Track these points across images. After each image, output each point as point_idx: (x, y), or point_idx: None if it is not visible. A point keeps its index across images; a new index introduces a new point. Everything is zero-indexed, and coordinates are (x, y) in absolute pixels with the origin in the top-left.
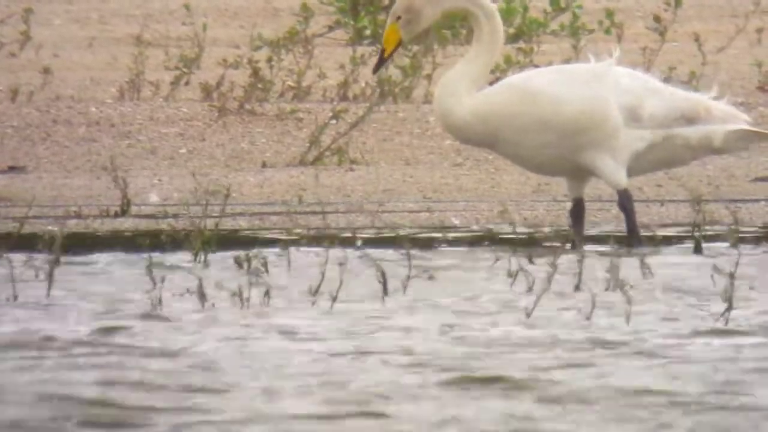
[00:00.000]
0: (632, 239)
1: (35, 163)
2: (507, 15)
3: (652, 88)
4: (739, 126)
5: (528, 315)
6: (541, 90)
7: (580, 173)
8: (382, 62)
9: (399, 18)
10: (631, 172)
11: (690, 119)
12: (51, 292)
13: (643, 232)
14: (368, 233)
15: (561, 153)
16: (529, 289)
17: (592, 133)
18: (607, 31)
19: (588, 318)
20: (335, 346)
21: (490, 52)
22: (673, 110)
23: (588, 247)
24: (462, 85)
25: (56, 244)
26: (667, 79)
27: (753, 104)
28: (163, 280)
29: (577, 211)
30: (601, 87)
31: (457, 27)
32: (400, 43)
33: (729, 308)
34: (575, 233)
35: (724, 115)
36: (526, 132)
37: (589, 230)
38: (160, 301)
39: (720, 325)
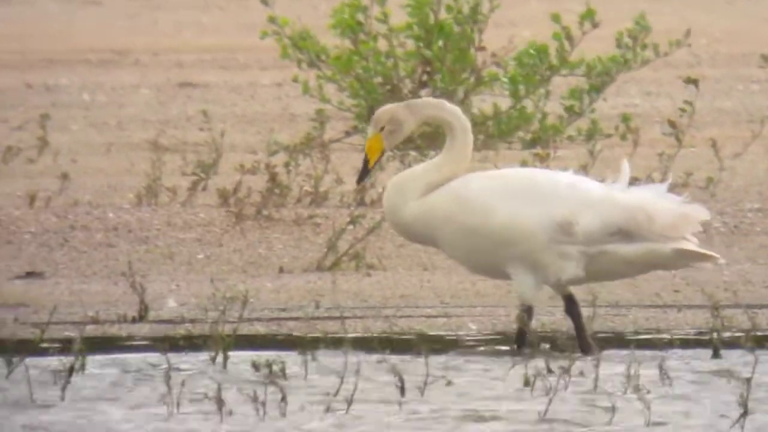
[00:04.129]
0: (583, 346)
1: (53, 268)
2: (523, 121)
3: (590, 200)
4: (680, 246)
5: (542, 418)
6: (472, 197)
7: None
8: (366, 172)
9: (382, 129)
10: (573, 281)
11: (627, 232)
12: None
13: (662, 337)
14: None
15: (493, 260)
16: (546, 394)
17: (518, 247)
18: (623, 137)
19: (608, 423)
20: None
21: (456, 163)
22: (609, 225)
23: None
24: (413, 188)
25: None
26: (684, 185)
27: None
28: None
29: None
30: (532, 199)
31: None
32: (383, 153)
33: (745, 413)
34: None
35: (669, 226)
36: (460, 237)
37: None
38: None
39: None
